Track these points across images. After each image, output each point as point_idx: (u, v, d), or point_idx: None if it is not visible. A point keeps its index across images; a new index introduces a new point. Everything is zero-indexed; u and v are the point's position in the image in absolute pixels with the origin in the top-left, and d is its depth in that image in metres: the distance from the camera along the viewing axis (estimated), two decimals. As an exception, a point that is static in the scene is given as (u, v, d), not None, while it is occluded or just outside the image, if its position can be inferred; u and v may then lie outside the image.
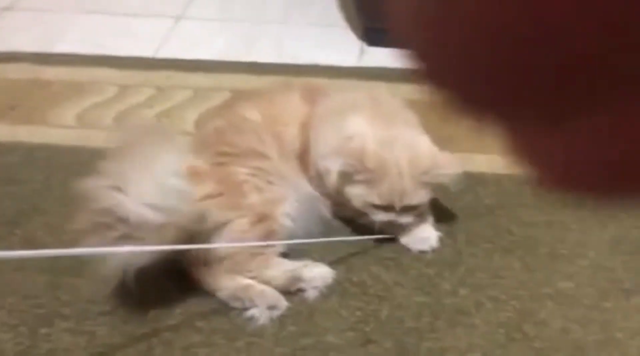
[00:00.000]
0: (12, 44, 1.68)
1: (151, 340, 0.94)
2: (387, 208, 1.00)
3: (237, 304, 0.97)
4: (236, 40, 1.74)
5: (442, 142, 1.33)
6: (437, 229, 1.11)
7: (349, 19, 1.80)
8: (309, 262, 1.02)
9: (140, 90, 1.50)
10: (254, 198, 1.00)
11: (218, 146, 1.05)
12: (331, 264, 1.04)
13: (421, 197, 1.01)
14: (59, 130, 1.38)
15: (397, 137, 1.01)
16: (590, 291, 1.02)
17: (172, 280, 1.00)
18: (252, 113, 1.09)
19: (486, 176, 1.24)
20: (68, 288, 1.01)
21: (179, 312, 0.98)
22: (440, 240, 1.11)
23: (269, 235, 1.00)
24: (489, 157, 1.29)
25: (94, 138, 1.34)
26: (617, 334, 0.96)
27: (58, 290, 1.01)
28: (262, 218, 1.00)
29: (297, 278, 0.99)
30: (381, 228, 1.04)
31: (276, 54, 1.67)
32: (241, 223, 0.98)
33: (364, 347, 0.94)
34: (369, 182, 0.99)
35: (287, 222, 1.02)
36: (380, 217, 1.01)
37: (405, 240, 1.08)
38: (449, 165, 1.01)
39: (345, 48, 1.69)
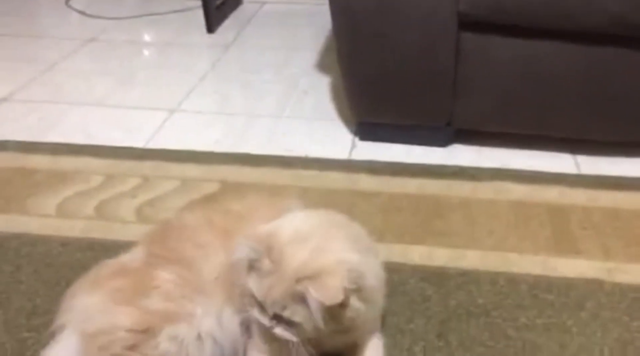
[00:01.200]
0: (2, 134, 1.68)
1: None
2: (262, 308, 0.87)
3: None
4: (229, 132, 1.74)
5: (434, 237, 1.28)
6: (428, 329, 1.03)
7: (342, 114, 1.81)
8: None
9: (125, 180, 1.47)
10: (154, 304, 0.92)
11: (157, 246, 0.99)
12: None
13: (294, 312, 0.83)
14: (37, 219, 1.33)
15: (315, 238, 0.86)
16: (597, 404, 0.92)
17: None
18: (219, 224, 1.00)
19: (480, 273, 1.18)
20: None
21: None
22: (431, 342, 1.02)
23: (139, 347, 0.90)
24: (483, 253, 1.23)
25: (70, 228, 1.30)
26: None
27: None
28: (145, 330, 0.90)
29: None
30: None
31: (268, 146, 1.66)
32: (121, 320, 0.90)
33: None
34: (262, 272, 0.86)
35: (170, 346, 0.90)
36: (256, 314, 0.88)
37: None
38: (325, 290, 0.80)
39: (338, 141, 1.68)
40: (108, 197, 1.41)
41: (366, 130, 1.68)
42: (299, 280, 0.82)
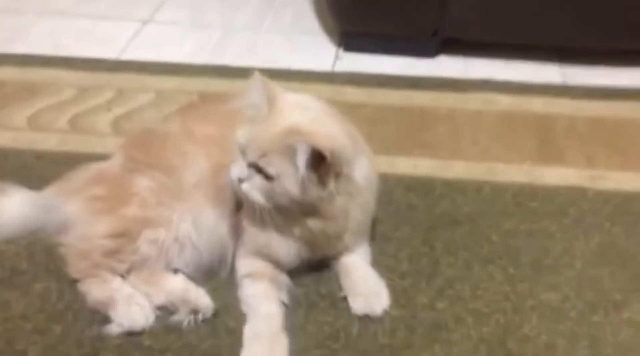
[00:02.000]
0: (-35, 44, 1.59)
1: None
2: (242, 155, 0.87)
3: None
4: (204, 45, 1.67)
5: (419, 148, 1.27)
6: (414, 236, 1.04)
7: (324, 26, 1.74)
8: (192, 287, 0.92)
9: (99, 93, 1.41)
10: (131, 211, 0.92)
11: (138, 151, 0.97)
12: (298, 274, 0.95)
13: (271, 162, 0.83)
14: (8, 132, 1.28)
15: (316, 112, 0.88)
16: (578, 303, 0.94)
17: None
18: (200, 131, 0.98)
19: (465, 183, 1.17)
20: None
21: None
22: (417, 248, 1.03)
23: (119, 253, 0.91)
24: (468, 164, 1.23)
25: (44, 141, 1.25)
26: (607, 350, 0.88)
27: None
28: (123, 234, 0.91)
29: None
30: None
31: (247, 59, 1.60)
32: (100, 228, 0.91)
33: (332, 366, 0.85)
34: (257, 119, 0.85)
35: (149, 250, 0.92)
36: (235, 169, 0.87)
37: (351, 299, 0.93)
38: (315, 140, 0.81)
39: (320, 54, 1.63)
40: (82, 110, 1.36)
41: (350, 40, 1.62)
42: (290, 133, 0.82)
